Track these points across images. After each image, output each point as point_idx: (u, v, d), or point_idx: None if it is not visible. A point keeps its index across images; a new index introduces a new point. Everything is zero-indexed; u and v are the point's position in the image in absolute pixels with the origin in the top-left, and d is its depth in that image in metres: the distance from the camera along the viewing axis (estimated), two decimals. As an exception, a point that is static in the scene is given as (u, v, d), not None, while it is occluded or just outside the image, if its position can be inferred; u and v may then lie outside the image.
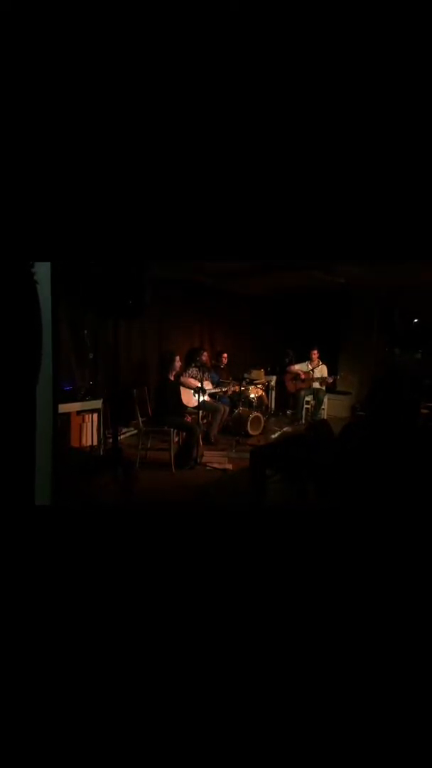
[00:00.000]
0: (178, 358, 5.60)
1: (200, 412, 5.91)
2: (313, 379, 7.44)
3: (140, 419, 5.25)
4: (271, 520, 2.48)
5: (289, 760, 1.51)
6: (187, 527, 2.24)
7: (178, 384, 5.65)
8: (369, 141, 1.98)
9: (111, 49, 1.91)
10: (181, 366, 5.81)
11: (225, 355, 7.26)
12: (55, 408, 2.68)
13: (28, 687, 1.72)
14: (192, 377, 6.08)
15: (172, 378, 5.49)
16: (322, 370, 7.51)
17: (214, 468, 5.18)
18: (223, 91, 1.95)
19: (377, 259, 3.51)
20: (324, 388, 7.42)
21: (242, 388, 6.87)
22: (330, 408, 7.78)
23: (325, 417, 7.33)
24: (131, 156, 2.05)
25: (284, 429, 6.90)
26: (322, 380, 7.37)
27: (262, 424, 6.65)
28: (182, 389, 5.83)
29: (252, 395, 7.08)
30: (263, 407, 7.31)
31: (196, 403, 5.92)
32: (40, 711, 1.64)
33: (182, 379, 5.93)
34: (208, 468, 5.19)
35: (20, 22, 1.86)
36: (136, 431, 5.64)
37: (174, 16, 1.85)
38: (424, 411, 5.40)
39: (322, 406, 7.50)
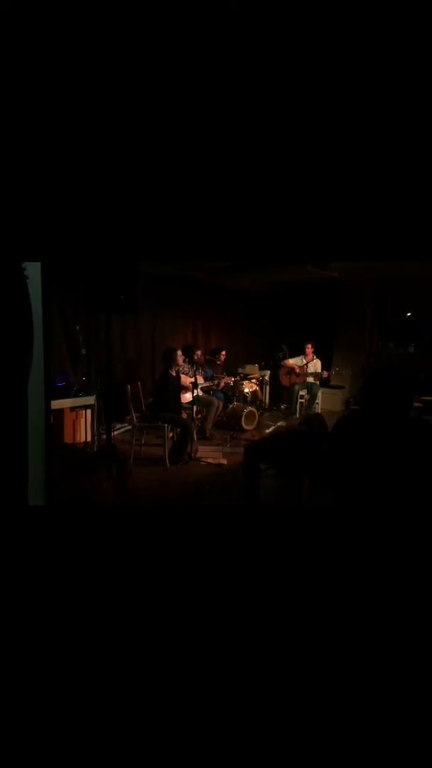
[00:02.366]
0: (179, 352, 5.57)
1: (194, 407, 5.90)
2: (308, 374, 7.45)
3: (134, 415, 5.24)
4: (265, 516, 2.48)
5: (287, 759, 1.52)
6: (181, 524, 2.24)
7: (179, 381, 5.64)
8: (367, 140, 1.97)
9: (110, 48, 1.89)
10: (183, 360, 5.80)
11: (223, 352, 7.23)
12: (48, 404, 2.66)
13: (26, 687, 1.72)
14: (184, 374, 6.06)
15: (174, 374, 5.46)
16: (316, 365, 7.52)
17: (209, 463, 5.18)
18: (222, 91, 1.94)
19: (374, 259, 3.51)
20: (318, 382, 7.43)
21: (235, 379, 6.87)
22: (324, 402, 7.80)
23: (319, 411, 7.35)
24: (126, 156, 2.03)
25: (279, 423, 6.91)
26: (316, 375, 7.38)
27: (257, 419, 6.65)
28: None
29: (246, 390, 7.08)
30: (258, 402, 7.32)
31: (190, 399, 5.91)
32: (37, 711, 1.64)
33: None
34: (202, 463, 5.19)
35: (20, 22, 1.83)
36: (130, 427, 5.63)
37: (174, 15, 1.83)
38: (418, 405, 5.43)
39: (316, 400, 7.52)
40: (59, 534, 2.16)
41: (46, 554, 2.07)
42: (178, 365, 5.53)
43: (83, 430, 5.33)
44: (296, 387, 7.49)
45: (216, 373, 6.93)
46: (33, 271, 2.39)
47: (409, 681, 1.73)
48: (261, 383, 7.77)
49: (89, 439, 5.34)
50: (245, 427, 6.41)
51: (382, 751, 1.52)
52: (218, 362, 7.14)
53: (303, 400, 7.53)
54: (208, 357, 7.19)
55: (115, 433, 5.80)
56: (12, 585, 1.97)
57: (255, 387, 7.33)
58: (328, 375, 7.43)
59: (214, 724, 1.59)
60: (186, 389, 5.88)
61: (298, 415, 7.33)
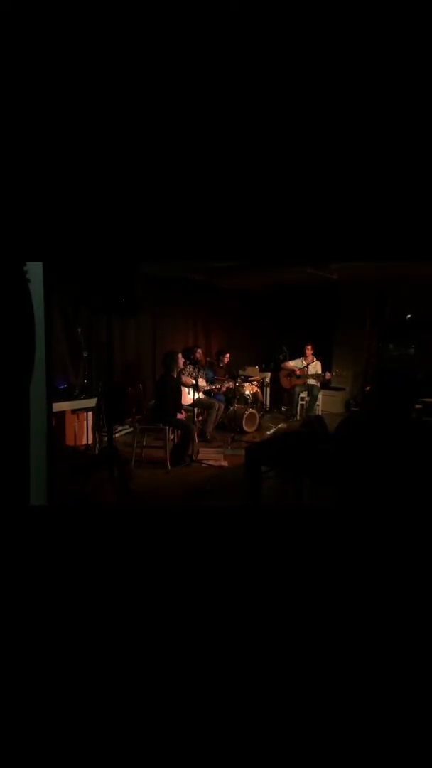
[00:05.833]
0: (180, 355, 5.59)
1: (195, 409, 5.89)
2: (308, 376, 7.45)
3: (135, 417, 5.25)
4: (266, 518, 2.48)
5: (286, 759, 1.52)
6: (182, 526, 2.24)
7: (179, 383, 5.64)
8: (367, 140, 1.98)
9: (111, 48, 1.89)
10: (184, 363, 5.82)
11: (228, 355, 7.23)
12: (50, 407, 2.67)
13: (26, 685, 1.72)
14: (187, 375, 6.07)
15: (174, 376, 5.47)
16: (316, 367, 7.53)
17: (210, 465, 5.18)
18: (222, 92, 1.94)
19: (375, 260, 3.52)
20: (318, 384, 7.44)
21: (236, 384, 6.88)
22: (324, 404, 7.80)
23: (320, 413, 7.35)
24: (127, 157, 2.04)
25: (279, 425, 6.91)
26: (317, 376, 7.39)
27: (258, 421, 6.66)
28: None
29: (247, 392, 7.09)
30: (258, 404, 7.32)
31: (191, 401, 5.91)
32: (37, 710, 1.64)
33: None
34: (204, 465, 5.19)
35: (20, 22, 1.84)
36: (131, 429, 5.63)
37: (174, 15, 1.84)
38: (418, 406, 5.43)
39: (317, 402, 7.53)
40: (60, 533, 2.16)
41: (48, 553, 2.07)
42: (180, 368, 5.54)
43: (84, 433, 5.33)
44: (297, 389, 7.50)
45: (218, 376, 6.94)
46: (35, 272, 2.40)
47: (409, 681, 1.73)
48: (262, 385, 7.78)
49: (90, 441, 5.34)
50: (246, 429, 6.42)
51: (382, 750, 1.52)
52: (221, 365, 7.14)
53: (303, 402, 7.54)
54: (209, 360, 7.20)
55: (116, 435, 5.81)
56: (13, 583, 1.97)
57: (256, 389, 7.34)
58: (329, 377, 7.44)
59: (216, 725, 1.59)
60: (188, 390, 5.90)
61: (298, 417, 7.33)
